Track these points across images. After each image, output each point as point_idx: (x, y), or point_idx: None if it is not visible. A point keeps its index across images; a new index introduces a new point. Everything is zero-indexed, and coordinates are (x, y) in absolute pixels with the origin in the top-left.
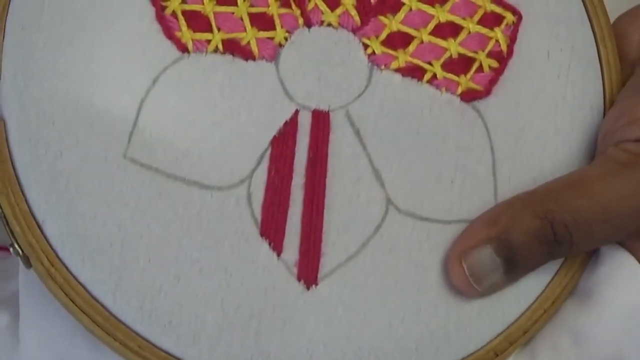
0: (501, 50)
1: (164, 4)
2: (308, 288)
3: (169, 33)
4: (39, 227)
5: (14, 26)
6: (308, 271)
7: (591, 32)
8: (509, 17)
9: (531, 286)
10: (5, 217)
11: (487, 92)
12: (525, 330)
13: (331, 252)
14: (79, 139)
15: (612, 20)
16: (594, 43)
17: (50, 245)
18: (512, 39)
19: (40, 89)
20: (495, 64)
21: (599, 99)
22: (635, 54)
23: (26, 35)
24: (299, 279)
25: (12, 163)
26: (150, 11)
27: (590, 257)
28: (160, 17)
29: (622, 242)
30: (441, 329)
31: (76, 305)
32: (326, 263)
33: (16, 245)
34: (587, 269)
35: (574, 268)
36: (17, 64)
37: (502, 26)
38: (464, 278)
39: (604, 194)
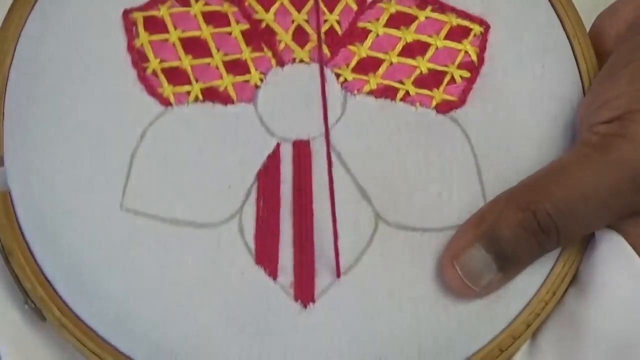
0: (472, 60)
1: (144, 65)
2: (305, 307)
3: (152, 90)
4: (49, 282)
5: (12, 103)
6: (304, 290)
7: (563, 31)
8: (477, 29)
9: (530, 280)
10: (17, 276)
11: (461, 101)
12: (529, 324)
13: (325, 271)
14: (78, 198)
15: (591, 20)
16: (567, 41)
17: (60, 298)
18: (481, 49)
19: (38, 158)
20: (466, 74)
21: (578, 92)
22: (612, 46)
23: (24, 111)
24: (296, 299)
25: (19, 227)
26: (132, 73)
27: (587, 245)
28: (142, 78)
29: (614, 225)
30: (443, 333)
31: (88, 349)
32: (321, 281)
33: (29, 301)
34: (585, 257)
35: (572, 258)
36: (16, 138)
37: (470, 38)
38: (459, 279)
39: (579, 177)
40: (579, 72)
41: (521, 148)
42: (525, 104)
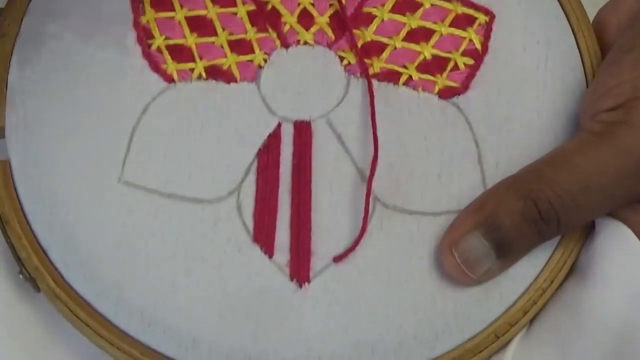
0: (476, 48)
1: (149, 42)
2: (301, 286)
3: (155, 67)
4: (44, 252)
5: (14, 77)
6: (300, 270)
7: (567, 23)
8: (482, 18)
9: (528, 267)
10: (13, 245)
11: (464, 87)
12: (525, 311)
13: (321, 251)
14: (78, 170)
15: (594, 12)
16: (572, 33)
17: (55, 268)
18: (486, 37)
19: (39, 129)
20: (470, 61)
21: (581, 85)
22: (614, 37)
23: (26, 82)
24: (291, 279)
25: (18, 197)
26: (137, 49)
27: (587, 234)
28: (147, 54)
29: (614, 213)
30: (439, 317)
31: (80, 320)
32: (317, 261)
33: (24, 270)
34: (585, 246)
35: (570, 246)
36: (19, 110)
37: (475, 26)
38: (457, 267)
39: (582, 165)
40: (583, 64)
41: (522, 137)
42: (528, 93)
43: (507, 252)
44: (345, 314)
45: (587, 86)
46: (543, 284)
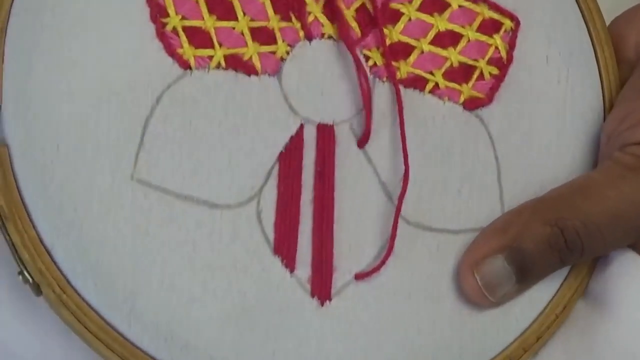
0: (501, 57)
1: (163, 20)
2: (322, 304)
3: (171, 50)
4: (49, 253)
5: (13, 49)
6: (321, 287)
7: (588, 36)
8: (507, 24)
9: (542, 292)
10: (13, 244)
11: (489, 99)
12: (539, 336)
13: (343, 267)
14: (85, 162)
15: (608, 21)
16: (591, 46)
17: (61, 271)
18: (511, 46)
19: (43, 112)
20: (495, 71)
21: (599, 101)
22: (632, 55)
23: (26, 58)
24: (312, 296)
25: (18, 189)
26: (150, 28)
27: (598, 258)
28: (161, 34)
29: (632, 244)
30: (456, 339)
31: (90, 332)
32: (339, 278)
33: (25, 273)
34: (596, 271)
35: (583, 271)
36: (18, 87)
37: (501, 33)
38: (477, 289)
39: (612, 198)
40: (601, 80)
41: (540, 155)
42: (548, 109)
43: (528, 276)
44: (365, 335)
45: (604, 104)
46: (556, 308)
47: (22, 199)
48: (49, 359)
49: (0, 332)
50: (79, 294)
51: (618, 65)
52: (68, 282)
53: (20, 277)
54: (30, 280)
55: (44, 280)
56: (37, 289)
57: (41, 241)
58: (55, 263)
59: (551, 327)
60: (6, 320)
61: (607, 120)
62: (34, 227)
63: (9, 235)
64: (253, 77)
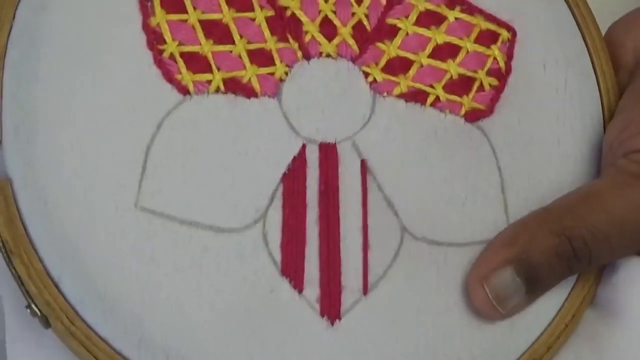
0: (499, 68)
1: (160, 47)
2: (332, 323)
3: (169, 76)
4: (56, 285)
5: (11, 82)
6: (331, 306)
7: (583, 43)
8: (504, 34)
9: (551, 302)
10: (20, 278)
11: (490, 111)
12: (549, 346)
13: (352, 285)
14: (88, 191)
15: (605, 27)
16: (587, 54)
17: (69, 303)
18: (509, 56)
19: (43, 144)
20: (495, 82)
21: (597, 108)
22: (630, 61)
23: (24, 91)
24: (322, 315)
25: (22, 222)
26: (148, 56)
27: (605, 266)
28: (159, 61)
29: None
30: (466, 352)
31: None
32: (348, 297)
33: (33, 306)
34: (603, 279)
35: (590, 280)
36: (18, 120)
37: (499, 43)
38: (487, 301)
39: (619, 206)
40: (599, 86)
41: (542, 164)
42: (548, 118)
43: (537, 287)
44: (376, 352)
45: (603, 111)
46: (565, 318)
47: (26, 232)
48: None
49: None
50: (87, 325)
51: (616, 72)
52: (76, 313)
53: (29, 310)
54: (39, 313)
55: (52, 312)
56: (46, 322)
57: (48, 274)
58: (62, 295)
59: (561, 336)
60: (19, 354)
61: (608, 128)
62: (40, 259)
63: (15, 269)
64: (253, 100)
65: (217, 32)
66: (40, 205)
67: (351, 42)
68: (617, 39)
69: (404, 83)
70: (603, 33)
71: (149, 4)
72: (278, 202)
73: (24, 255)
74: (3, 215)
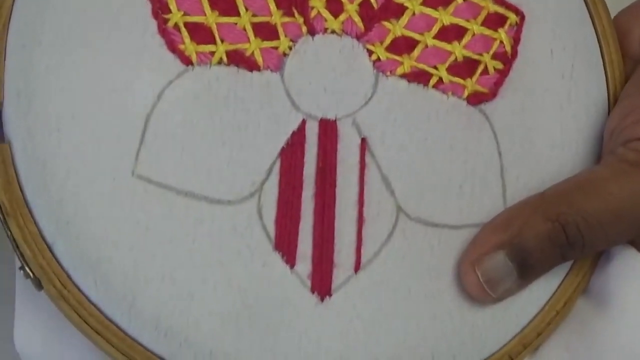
0: (505, 52)
1: (165, 16)
2: (322, 300)
3: (172, 46)
4: (50, 249)
5: (14, 46)
6: (322, 283)
7: (593, 30)
8: (512, 18)
9: (543, 288)
10: (15, 240)
11: (493, 94)
12: (539, 332)
13: (344, 263)
14: (86, 159)
15: (612, 15)
16: (596, 41)
17: (62, 267)
18: (515, 40)
19: (44, 109)
20: (500, 65)
21: (603, 97)
22: (637, 50)
23: (27, 55)
24: (312, 291)
25: (19, 185)
26: (152, 24)
27: (599, 256)
28: (163, 30)
29: (632, 240)
30: (456, 335)
31: (90, 327)
32: (339, 274)
33: (27, 268)
34: (597, 268)
35: (584, 268)
36: (19, 84)
37: (506, 27)
38: (478, 285)
39: (615, 194)
40: (606, 75)
41: (544, 150)
42: (552, 104)
43: (529, 272)
44: (365, 331)
45: (609, 99)
46: (557, 305)
47: (23, 195)
48: (51, 352)
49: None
50: (79, 289)
51: (622, 60)
52: (69, 277)
53: (22, 271)
54: (31, 275)
55: (44, 275)
56: (38, 284)
57: (42, 237)
58: (56, 259)
59: (551, 323)
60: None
61: (610, 116)
62: (35, 223)
63: (10, 231)
64: (255, 73)
65: (222, 3)
66: (38, 170)
67: (357, 19)
68: (624, 27)
69: (408, 63)
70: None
71: None
72: (275, 177)
73: (19, 218)
74: (1, 178)
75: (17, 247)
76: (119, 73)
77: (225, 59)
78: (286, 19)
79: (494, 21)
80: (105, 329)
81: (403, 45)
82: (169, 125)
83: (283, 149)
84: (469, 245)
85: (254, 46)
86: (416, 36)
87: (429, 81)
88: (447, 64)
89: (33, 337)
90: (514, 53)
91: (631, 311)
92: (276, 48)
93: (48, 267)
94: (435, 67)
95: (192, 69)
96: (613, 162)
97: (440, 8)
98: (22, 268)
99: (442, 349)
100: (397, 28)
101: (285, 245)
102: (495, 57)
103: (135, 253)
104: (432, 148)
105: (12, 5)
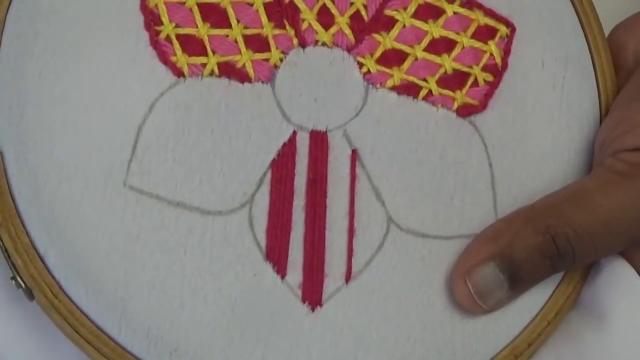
0: (496, 64)
1: (157, 28)
2: (313, 310)
3: (164, 58)
4: (41, 259)
5: (7, 56)
6: (312, 293)
7: (585, 42)
8: (503, 30)
9: (534, 298)
10: (6, 250)
11: (483, 106)
12: (530, 343)
13: (335, 273)
14: (78, 169)
15: (608, 29)
16: (589, 53)
17: (53, 277)
18: (506, 52)
19: (36, 118)
20: (490, 77)
21: (595, 108)
22: (631, 62)
23: (20, 65)
24: (303, 301)
25: (11, 195)
26: (144, 36)
27: (590, 267)
28: (155, 42)
29: (622, 251)
30: (447, 346)
31: (81, 337)
32: (330, 284)
33: (18, 278)
34: (588, 279)
35: (575, 279)
36: (12, 94)
37: (496, 39)
38: (469, 296)
39: (604, 205)
40: (598, 87)
41: (535, 161)
42: (543, 115)
43: (519, 283)
44: (355, 341)
45: (600, 111)
46: (548, 315)
47: (15, 205)
48: None
49: None
50: (70, 299)
51: (617, 72)
52: (60, 287)
53: (14, 281)
54: (23, 285)
55: (36, 285)
56: (30, 294)
57: (34, 247)
58: (47, 269)
59: (542, 334)
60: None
61: (601, 127)
62: (27, 233)
63: (1, 241)
64: (246, 85)
65: (214, 15)
66: (30, 180)
67: (348, 31)
68: (619, 41)
69: (398, 75)
70: (608, 34)
71: None
72: (266, 187)
73: (11, 228)
74: None
75: (9, 257)
76: (111, 84)
77: (216, 70)
78: (277, 31)
79: (485, 33)
80: (96, 338)
81: (393, 58)
82: (161, 136)
83: (274, 160)
84: (459, 256)
85: (245, 58)
86: (406, 49)
87: (418, 93)
88: (436, 77)
89: (16, 349)
90: (504, 65)
91: (621, 322)
92: (267, 60)
93: (39, 277)
94: (425, 80)
95: (184, 81)
96: (602, 173)
97: (430, 21)
98: (13, 278)
99: (433, 359)
100: (387, 40)
101: (276, 255)
102: (485, 69)
103: (127, 263)
104: (423, 159)
105: (5, 17)
